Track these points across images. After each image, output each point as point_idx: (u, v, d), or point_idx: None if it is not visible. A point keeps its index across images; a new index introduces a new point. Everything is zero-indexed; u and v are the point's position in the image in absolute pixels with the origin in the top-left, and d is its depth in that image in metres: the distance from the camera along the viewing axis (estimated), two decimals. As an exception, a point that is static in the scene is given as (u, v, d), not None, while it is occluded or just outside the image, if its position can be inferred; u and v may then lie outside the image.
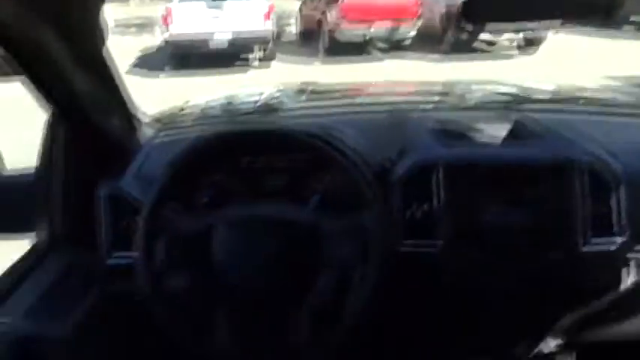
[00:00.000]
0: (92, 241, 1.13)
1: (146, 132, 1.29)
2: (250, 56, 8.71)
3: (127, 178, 1.15)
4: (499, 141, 1.15)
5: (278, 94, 1.77)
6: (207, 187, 1.11)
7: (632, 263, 1.06)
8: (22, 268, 1.09)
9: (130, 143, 1.22)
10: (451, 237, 1.05)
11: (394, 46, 9.07)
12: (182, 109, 1.57)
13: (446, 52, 8.51)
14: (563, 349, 1.19)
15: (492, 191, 1.06)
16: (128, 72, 7.83)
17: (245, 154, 1.13)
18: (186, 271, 0.98)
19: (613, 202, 1.02)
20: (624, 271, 1.07)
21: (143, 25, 12.50)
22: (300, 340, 0.96)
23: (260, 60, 8.71)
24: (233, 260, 0.96)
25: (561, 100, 1.63)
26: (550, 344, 1.19)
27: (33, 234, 1.18)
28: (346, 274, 0.96)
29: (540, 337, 1.17)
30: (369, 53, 9.18)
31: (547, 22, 6.22)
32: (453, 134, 1.19)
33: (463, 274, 1.09)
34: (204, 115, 1.58)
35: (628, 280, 1.07)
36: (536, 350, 1.19)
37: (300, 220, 0.99)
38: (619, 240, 1.03)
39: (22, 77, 0.92)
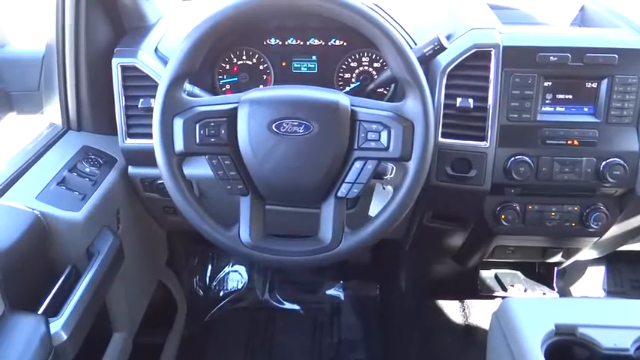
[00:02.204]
0: (108, 123, 1.10)
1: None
2: None
3: (145, 51, 1.08)
4: None
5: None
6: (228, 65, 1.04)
7: None
8: (36, 149, 1.06)
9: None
10: None
11: None
12: None
13: None
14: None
15: None
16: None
17: (276, 30, 1.04)
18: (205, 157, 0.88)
19: None
20: None
21: None
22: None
23: None
24: (257, 144, 0.86)
25: None
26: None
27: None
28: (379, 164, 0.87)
29: None
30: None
31: None
32: None
33: None
34: None
35: None
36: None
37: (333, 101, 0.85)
38: None
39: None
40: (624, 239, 1.24)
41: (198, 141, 0.87)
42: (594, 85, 1.02)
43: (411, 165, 0.85)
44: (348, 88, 1.21)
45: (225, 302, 1.65)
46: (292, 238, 0.91)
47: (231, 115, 0.87)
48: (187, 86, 1.02)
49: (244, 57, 1.21)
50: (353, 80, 1.21)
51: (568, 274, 1.51)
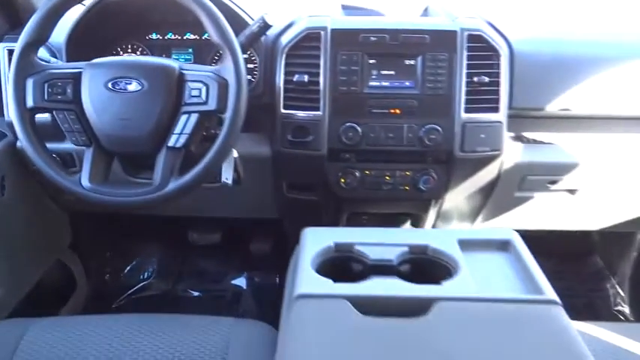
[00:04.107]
0: None
1: None
2: None
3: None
4: None
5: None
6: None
7: None
8: None
9: None
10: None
11: None
12: None
13: None
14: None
15: None
16: None
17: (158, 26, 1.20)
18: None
19: None
20: None
21: None
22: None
23: None
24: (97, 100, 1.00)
25: None
26: None
27: None
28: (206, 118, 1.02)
29: None
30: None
31: None
32: None
33: None
34: None
35: None
36: None
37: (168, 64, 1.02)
38: None
39: None
40: (472, 210, 1.37)
41: (46, 98, 1.01)
42: (412, 62, 1.18)
43: (227, 116, 1.00)
44: None
45: (134, 290, 1.75)
46: (129, 184, 1.04)
47: (77, 78, 1.02)
48: (52, 60, 1.17)
49: (129, 50, 1.38)
50: None
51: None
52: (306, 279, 0.80)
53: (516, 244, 0.90)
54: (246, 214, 1.53)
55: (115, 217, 1.70)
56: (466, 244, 0.90)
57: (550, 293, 0.76)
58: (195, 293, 1.76)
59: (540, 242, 1.37)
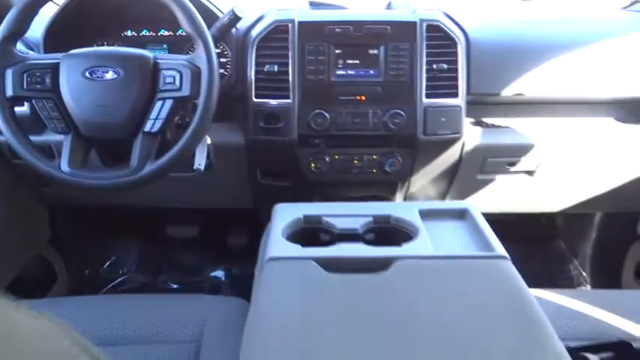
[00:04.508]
0: None
1: None
2: None
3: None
4: None
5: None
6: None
7: None
8: None
9: None
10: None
11: None
12: None
13: None
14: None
15: None
16: None
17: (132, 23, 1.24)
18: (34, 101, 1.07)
19: None
20: None
21: None
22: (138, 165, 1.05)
23: None
24: (74, 88, 1.04)
25: None
26: None
27: None
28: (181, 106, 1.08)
29: None
30: None
31: None
32: None
33: None
34: None
35: None
36: None
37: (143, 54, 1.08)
38: None
39: None
40: (437, 193, 1.44)
41: (25, 87, 1.06)
42: (375, 51, 1.25)
43: (200, 102, 1.05)
44: None
45: (114, 284, 1.78)
46: (107, 169, 1.09)
47: (55, 68, 1.07)
48: (31, 53, 1.22)
49: (105, 46, 1.42)
50: None
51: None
52: (276, 245, 0.86)
53: (473, 212, 0.97)
54: (222, 204, 1.58)
55: (94, 212, 1.74)
56: (426, 214, 0.96)
57: (500, 250, 0.83)
58: (175, 286, 1.80)
59: (506, 227, 1.46)
